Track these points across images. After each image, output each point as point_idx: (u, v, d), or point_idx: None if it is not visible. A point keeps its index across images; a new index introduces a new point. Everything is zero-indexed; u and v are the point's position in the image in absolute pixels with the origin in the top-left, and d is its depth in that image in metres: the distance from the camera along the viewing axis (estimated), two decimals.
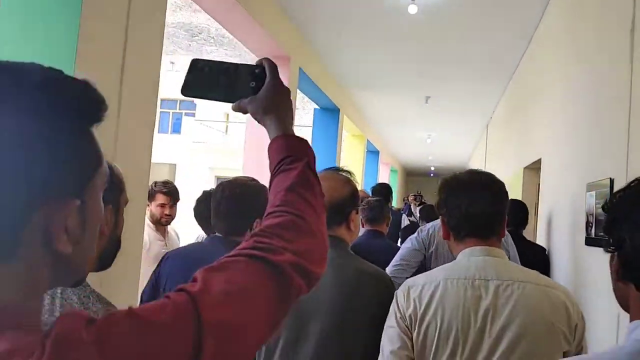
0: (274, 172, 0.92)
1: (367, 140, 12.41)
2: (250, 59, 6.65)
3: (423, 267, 3.19)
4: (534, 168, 5.58)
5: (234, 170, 9.27)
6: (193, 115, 25.29)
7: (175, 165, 23.46)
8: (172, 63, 27.89)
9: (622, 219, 0.97)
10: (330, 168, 1.82)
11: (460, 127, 12.39)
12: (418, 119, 11.52)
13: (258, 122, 0.98)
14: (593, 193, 2.98)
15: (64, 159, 0.61)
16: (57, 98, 0.60)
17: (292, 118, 0.98)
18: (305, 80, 6.80)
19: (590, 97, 3.27)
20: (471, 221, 1.58)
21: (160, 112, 27.50)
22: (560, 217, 3.86)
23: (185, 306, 0.62)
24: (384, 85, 9.03)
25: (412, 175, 27.18)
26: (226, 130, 25.14)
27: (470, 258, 1.53)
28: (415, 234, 3.30)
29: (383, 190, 5.73)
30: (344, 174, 1.78)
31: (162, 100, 27.51)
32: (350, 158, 11.88)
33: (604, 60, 3.06)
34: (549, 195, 4.35)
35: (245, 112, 0.97)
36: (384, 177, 17.80)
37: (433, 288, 1.49)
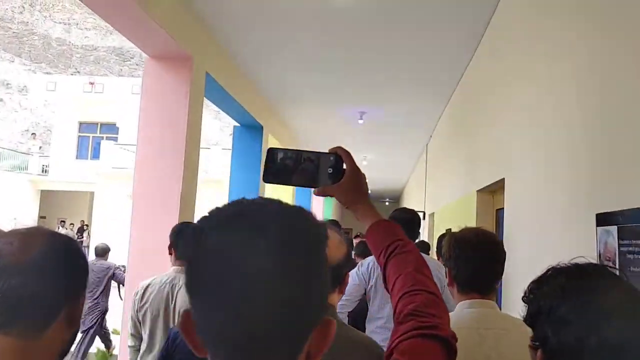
0: (388, 254, 1.12)
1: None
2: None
3: (364, 300, 3.36)
4: (491, 191, 4.63)
5: None
6: (115, 139, 23.54)
7: (93, 193, 21.58)
8: (92, 84, 26.23)
9: (546, 313, 1.00)
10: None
11: (397, 148, 11.54)
12: (353, 138, 10.57)
13: (347, 208, 1.19)
14: (612, 229, 1.97)
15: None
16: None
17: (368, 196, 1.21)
18: (216, 89, 5.64)
19: (579, 95, 2.31)
20: (476, 280, 1.82)
21: (80, 136, 25.59)
22: (542, 255, 2.87)
23: None
24: (315, 101, 8.03)
25: None
26: None
27: (471, 310, 1.78)
28: (356, 268, 3.35)
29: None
30: (334, 229, 1.50)
31: (81, 123, 25.68)
32: (278, 185, 10.76)
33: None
34: (520, 226, 3.36)
35: (328, 196, 1.14)
36: (317, 206, 16.76)
37: None
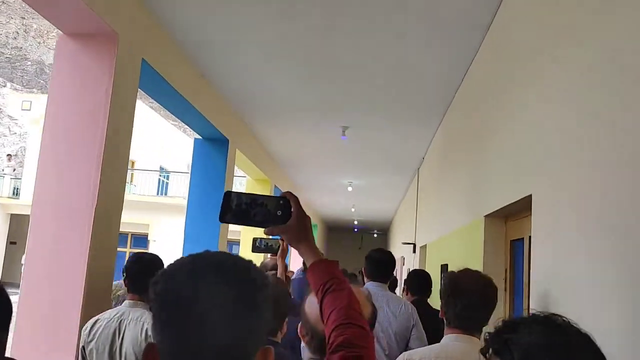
0: (325, 290, 1.27)
1: (275, 186, 10.20)
2: None
3: None
4: (504, 216, 3.53)
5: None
6: None
7: None
8: None
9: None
10: None
11: (385, 174, 10.46)
12: (336, 159, 9.50)
13: (293, 247, 1.33)
14: None
15: None
16: None
17: (313, 239, 1.35)
18: (157, 81, 4.54)
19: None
20: (460, 321, 2.07)
21: None
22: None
23: None
24: (292, 116, 6.97)
25: (335, 231, 25.11)
26: None
27: (455, 343, 2.05)
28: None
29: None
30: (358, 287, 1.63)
31: None
32: None
33: None
34: (566, 264, 2.22)
35: (277, 235, 1.32)
36: None
37: None
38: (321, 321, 1.29)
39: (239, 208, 1.25)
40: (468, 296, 2.07)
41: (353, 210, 16.30)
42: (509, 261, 3.51)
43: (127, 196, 17.26)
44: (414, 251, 9.15)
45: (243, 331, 0.85)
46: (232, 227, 8.41)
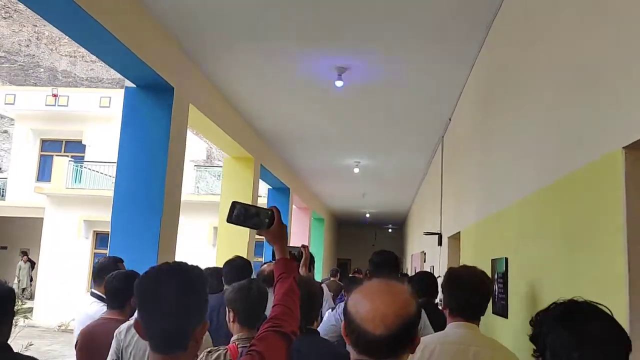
0: (277, 280, 1.82)
1: (261, 165, 8.17)
2: None
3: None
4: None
5: None
6: (82, 159, 20.58)
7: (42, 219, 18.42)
8: (55, 96, 23.34)
9: (546, 333, 1.42)
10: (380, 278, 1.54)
11: (400, 144, 8.38)
12: (335, 125, 7.44)
13: (271, 245, 1.86)
14: None
15: None
16: None
17: (287, 243, 1.89)
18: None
19: None
20: (460, 309, 2.33)
21: (42, 155, 22.60)
22: None
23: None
24: (269, 49, 4.94)
25: (347, 225, 23.01)
26: None
27: (456, 330, 2.29)
28: (335, 310, 3.49)
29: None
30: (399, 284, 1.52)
31: (43, 141, 22.76)
32: (232, 188, 7.64)
33: None
34: None
35: (263, 236, 1.84)
36: (300, 228, 13.51)
37: (431, 348, 2.20)
38: (369, 320, 1.35)
39: (239, 214, 1.81)
40: (466, 288, 2.37)
41: (364, 198, 14.20)
42: None
43: None
44: (440, 243, 7.06)
45: (184, 314, 1.44)
46: None
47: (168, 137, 4.62)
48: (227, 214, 1.78)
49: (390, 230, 23.13)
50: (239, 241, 7.47)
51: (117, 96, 20.55)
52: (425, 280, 4.32)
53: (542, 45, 2.80)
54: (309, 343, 2.47)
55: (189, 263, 1.51)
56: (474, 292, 2.35)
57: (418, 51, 4.76)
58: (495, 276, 3.51)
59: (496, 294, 3.49)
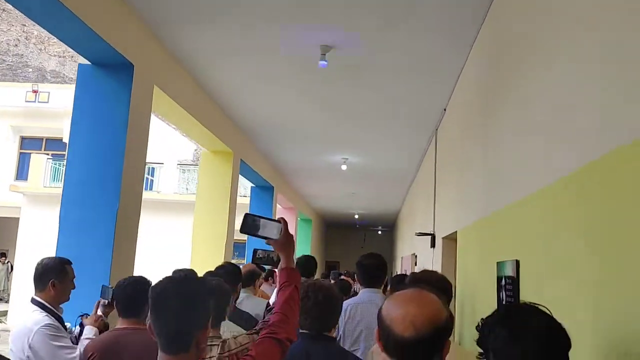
0: (280, 288, 1.96)
1: (241, 160, 7.60)
2: None
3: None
4: None
5: None
6: (63, 157, 19.84)
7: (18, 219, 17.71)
8: (35, 92, 22.64)
9: (487, 334, 1.44)
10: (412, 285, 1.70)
11: (390, 137, 7.85)
12: (321, 119, 6.90)
13: (279, 253, 2.02)
14: None
15: None
16: None
17: (293, 253, 2.04)
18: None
19: None
20: None
21: (21, 153, 21.87)
22: None
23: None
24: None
25: (335, 227, 22.47)
26: None
27: None
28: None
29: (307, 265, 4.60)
30: (431, 292, 1.52)
31: (23, 138, 22.07)
32: (210, 184, 7.10)
33: None
34: None
35: (272, 245, 2.00)
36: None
37: None
38: (399, 322, 1.39)
39: (251, 225, 1.98)
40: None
41: (352, 198, 13.66)
42: None
43: None
44: (433, 245, 6.53)
45: (187, 319, 1.58)
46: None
47: (127, 122, 4.04)
48: (240, 224, 1.99)
49: (379, 232, 22.61)
50: (217, 242, 6.91)
51: None
52: (402, 281, 4.21)
53: (559, 7, 2.27)
54: (320, 349, 2.46)
55: (192, 272, 1.67)
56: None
57: (410, 32, 4.23)
58: (503, 282, 2.98)
59: (502, 301, 2.97)
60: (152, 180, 21.64)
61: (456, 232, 4.88)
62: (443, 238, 5.91)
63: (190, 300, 1.57)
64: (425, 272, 3.07)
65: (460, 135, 5.08)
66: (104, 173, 3.97)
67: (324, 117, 6.80)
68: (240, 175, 8.94)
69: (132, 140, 4.12)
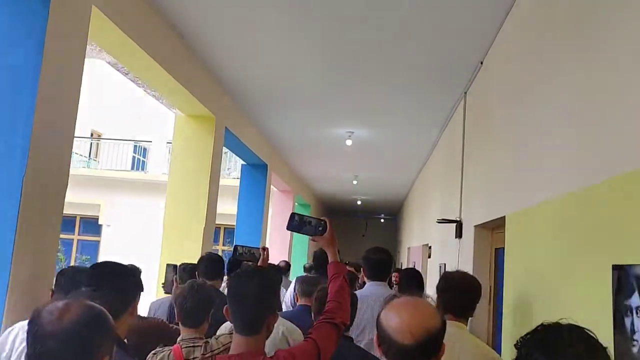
0: (331, 279, 2.25)
1: (226, 128, 6.32)
2: None
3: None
4: None
5: None
6: None
7: None
8: None
9: (524, 357, 1.43)
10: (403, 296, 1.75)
11: (412, 94, 6.58)
12: (323, 72, 5.60)
13: (324, 248, 2.33)
14: None
15: None
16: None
17: (338, 248, 2.33)
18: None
19: None
20: (450, 307, 2.63)
21: None
22: None
23: (313, 344, 1.97)
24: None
25: (336, 213, 21.22)
26: None
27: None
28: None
29: (321, 260, 4.89)
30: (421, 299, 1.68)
31: None
32: (185, 157, 5.86)
33: None
34: None
35: (317, 242, 2.32)
36: (281, 215, 11.69)
37: None
38: (398, 332, 1.51)
39: (297, 223, 2.23)
40: (452, 290, 2.72)
41: (355, 183, 12.38)
42: None
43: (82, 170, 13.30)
44: (459, 234, 5.27)
45: (260, 306, 1.88)
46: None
47: (41, 55, 2.76)
48: (286, 222, 2.25)
49: (382, 220, 21.37)
50: (193, 226, 5.66)
51: (85, 66, 18.63)
52: (409, 276, 4.58)
53: None
54: (354, 351, 2.65)
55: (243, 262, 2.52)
56: (457, 293, 2.71)
57: None
58: (633, 300, 1.72)
59: (631, 332, 1.73)
60: (143, 162, 20.40)
61: (504, 217, 3.61)
62: (476, 226, 4.65)
63: (263, 289, 1.90)
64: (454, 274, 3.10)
65: (513, 87, 3.78)
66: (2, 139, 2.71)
67: (328, 75, 5.50)
68: (227, 150, 7.68)
69: (49, 82, 2.84)
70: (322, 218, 2.27)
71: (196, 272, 4.13)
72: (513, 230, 3.41)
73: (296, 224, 2.22)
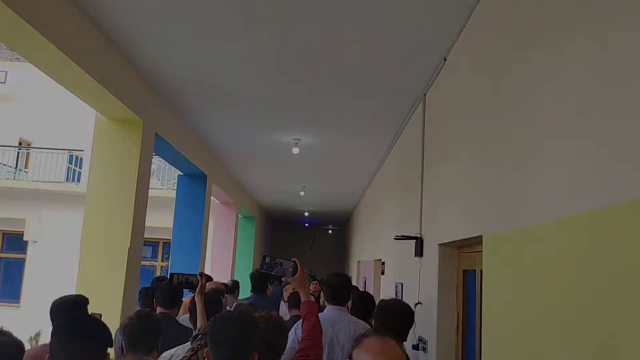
0: (303, 318, 2.62)
1: (156, 134, 5.55)
2: None
3: None
4: None
5: None
6: None
7: None
8: None
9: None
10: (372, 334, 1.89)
11: (360, 100, 5.98)
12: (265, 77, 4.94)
13: (295, 288, 2.79)
14: None
15: None
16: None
17: (307, 287, 2.73)
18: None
19: None
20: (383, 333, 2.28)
21: None
22: None
23: None
24: None
25: (282, 225, 20.54)
26: None
27: None
28: (293, 330, 3.26)
29: (258, 279, 5.91)
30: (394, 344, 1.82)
31: None
32: (106, 167, 5.07)
33: None
34: None
35: (288, 283, 3.73)
36: (223, 229, 10.92)
37: None
38: None
39: (267, 265, 2.53)
40: (390, 316, 3.26)
41: (302, 194, 11.74)
42: None
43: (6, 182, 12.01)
44: (419, 253, 4.70)
45: (238, 349, 2.03)
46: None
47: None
48: (259, 264, 2.58)
49: (330, 231, 20.83)
50: (115, 247, 4.86)
51: (15, 70, 17.32)
52: (363, 301, 4.42)
53: None
54: None
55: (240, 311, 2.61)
56: (395, 319, 3.23)
57: None
58: None
59: None
60: (79, 172, 19.11)
61: (480, 237, 3.04)
62: (440, 245, 4.09)
63: (242, 333, 2.06)
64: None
65: (489, 83, 3.23)
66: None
67: (272, 77, 4.85)
68: (161, 160, 6.89)
69: None
70: (292, 259, 2.58)
71: (154, 300, 4.16)
72: (499, 254, 2.84)
73: (266, 266, 2.58)
